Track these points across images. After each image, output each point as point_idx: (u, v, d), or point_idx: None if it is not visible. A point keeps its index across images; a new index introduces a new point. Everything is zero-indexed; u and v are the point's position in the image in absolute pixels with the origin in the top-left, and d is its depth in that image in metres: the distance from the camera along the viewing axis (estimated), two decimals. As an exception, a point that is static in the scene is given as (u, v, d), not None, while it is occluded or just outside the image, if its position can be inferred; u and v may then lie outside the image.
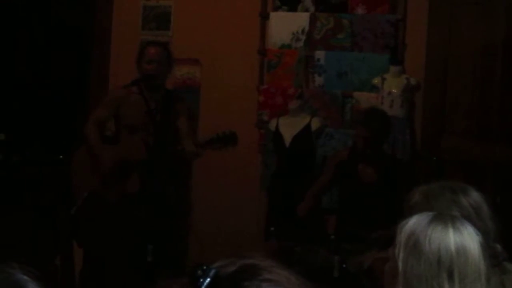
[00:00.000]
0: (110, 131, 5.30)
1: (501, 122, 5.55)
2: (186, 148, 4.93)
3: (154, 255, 4.62)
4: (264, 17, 6.05)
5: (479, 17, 5.58)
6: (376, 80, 5.66)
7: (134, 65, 5.09)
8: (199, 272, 1.17)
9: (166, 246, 5.05)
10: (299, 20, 5.93)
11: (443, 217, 1.96)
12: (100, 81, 6.46)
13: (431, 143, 5.70)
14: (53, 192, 5.70)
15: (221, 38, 6.16)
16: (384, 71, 5.65)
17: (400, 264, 1.92)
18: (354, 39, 5.77)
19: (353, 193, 5.09)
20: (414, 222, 1.95)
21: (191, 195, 6.24)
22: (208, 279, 1.16)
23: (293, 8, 5.97)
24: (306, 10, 5.93)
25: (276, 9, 6.02)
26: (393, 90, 5.59)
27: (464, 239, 1.91)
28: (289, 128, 5.69)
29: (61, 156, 5.67)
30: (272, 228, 5.00)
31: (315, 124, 5.67)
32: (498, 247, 2.32)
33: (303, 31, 5.91)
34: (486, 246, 1.96)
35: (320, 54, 5.83)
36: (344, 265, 4.26)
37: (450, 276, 1.87)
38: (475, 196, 2.33)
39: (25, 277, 1.21)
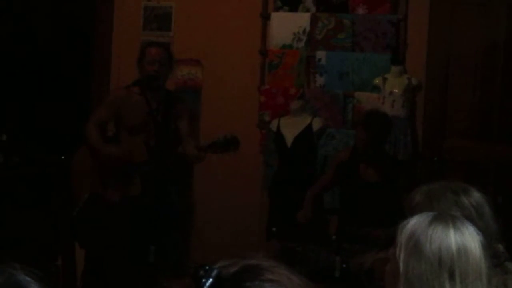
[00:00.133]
0: (111, 132, 5.30)
1: (502, 122, 5.55)
2: (187, 151, 4.93)
3: (156, 256, 4.62)
4: (265, 17, 6.05)
5: (480, 17, 5.58)
6: (377, 80, 5.66)
7: (135, 66, 5.10)
8: (202, 272, 1.17)
9: (168, 247, 5.06)
10: (300, 20, 5.93)
11: (443, 217, 1.96)
12: (102, 81, 6.46)
13: (433, 143, 5.70)
14: (55, 193, 5.70)
15: (222, 38, 6.16)
16: (385, 71, 5.65)
17: (401, 265, 1.92)
18: (355, 39, 5.77)
19: (354, 193, 5.09)
20: (415, 223, 1.95)
21: (192, 195, 6.24)
22: (211, 280, 1.17)
23: (294, 9, 5.97)
24: (307, 11, 5.93)
25: (277, 9, 6.02)
26: (395, 90, 5.59)
27: (465, 239, 1.91)
28: (290, 128, 5.69)
29: (62, 157, 5.67)
30: (274, 229, 5.00)
31: (317, 124, 5.67)
32: (500, 247, 2.32)
33: (304, 31, 5.91)
34: (487, 246, 1.95)
35: (321, 54, 5.84)
36: (344, 265, 4.26)
37: (451, 276, 1.87)
38: (476, 196, 2.32)
39: (27, 278, 1.21)
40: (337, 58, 5.80)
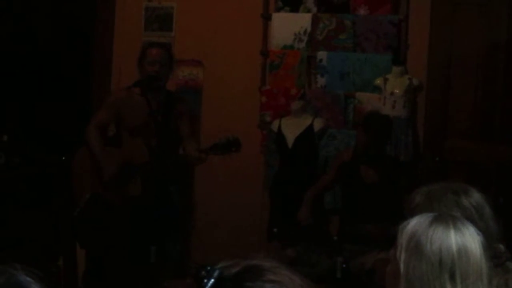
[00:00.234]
0: (112, 132, 5.30)
1: (503, 122, 5.55)
2: (188, 152, 4.93)
3: (156, 256, 4.62)
4: (266, 18, 6.05)
5: (481, 17, 5.58)
6: (378, 81, 5.66)
7: (136, 66, 5.10)
8: (203, 273, 1.17)
9: (169, 247, 5.06)
10: (301, 21, 5.93)
11: (444, 218, 1.96)
12: (102, 81, 6.46)
13: (434, 144, 5.70)
14: (55, 193, 5.70)
15: (223, 39, 6.16)
16: (387, 71, 5.65)
17: (401, 266, 1.92)
18: (356, 39, 5.77)
19: (355, 194, 5.09)
20: (415, 223, 1.95)
21: (193, 196, 6.24)
22: (212, 280, 1.17)
23: (295, 9, 5.97)
24: (308, 11, 5.93)
25: (278, 10, 6.02)
26: (396, 91, 5.59)
27: (465, 240, 1.91)
28: (291, 128, 5.69)
29: (63, 157, 5.67)
30: (275, 229, 5.00)
31: (318, 124, 5.67)
32: (501, 247, 2.32)
33: (305, 32, 5.91)
34: (488, 246, 1.95)
35: (322, 55, 5.83)
36: (344, 265, 4.26)
37: (452, 277, 1.87)
38: (477, 196, 2.32)
39: (28, 279, 1.21)
40: (338, 59, 5.80)
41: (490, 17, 5.55)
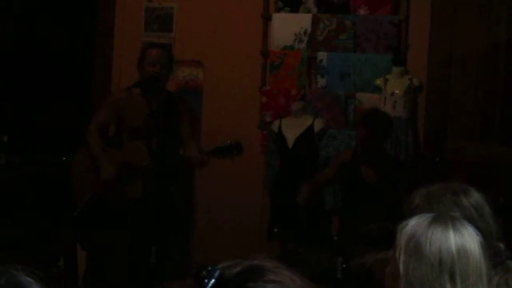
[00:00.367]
0: (111, 132, 5.30)
1: (504, 122, 5.55)
2: (189, 153, 4.93)
3: (157, 257, 4.62)
4: (267, 18, 6.05)
5: (481, 17, 5.57)
6: (378, 81, 5.66)
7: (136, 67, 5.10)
8: (204, 273, 1.17)
9: (169, 247, 5.06)
10: (301, 21, 5.93)
11: (443, 219, 1.96)
12: (103, 82, 6.46)
13: (434, 144, 5.70)
14: (56, 193, 5.70)
15: (224, 39, 6.16)
16: (387, 72, 5.65)
17: (401, 267, 1.92)
18: (357, 40, 5.77)
19: (355, 194, 5.09)
20: (414, 224, 1.95)
21: (194, 196, 6.24)
22: (213, 280, 1.17)
23: (295, 9, 5.97)
24: (309, 11, 5.93)
25: (278, 10, 6.02)
26: (396, 91, 5.59)
27: (464, 240, 1.91)
28: (291, 129, 5.69)
29: (63, 158, 5.66)
30: (275, 229, 5.01)
31: (318, 125, 5.67)
32: (501, 246, 2.33)
33: (305, 32, 5.91)
34: (487, 246, 1.96)
35: (322, 55, 5.83)
36: (344, 265, 4.26)
37: (452, 278, 1.87)
38: (476, 196, 2.33)
39: (29, 279, 1.21)
40: (339, 59, 5.80)
41: (490, 18, 5.55)
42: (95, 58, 6.56)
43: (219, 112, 6.17)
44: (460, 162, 5.61)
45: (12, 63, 6.78)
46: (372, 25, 5.72)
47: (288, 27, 5.96)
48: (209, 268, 1.18)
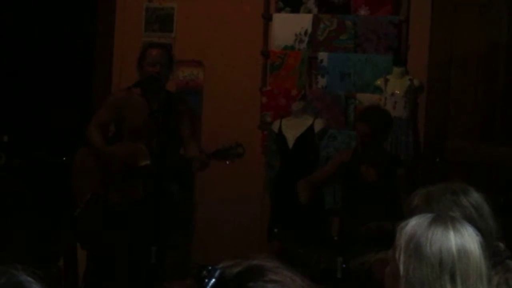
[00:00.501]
0: (111, 133, 5.30)
1: (504, 123, 5.54)
2: (190, 153, 4.93)
3: (157, 257, 4.62)
4: (267, 18, 6.05)
5: (482, 18, 5.57)
6: (379, 81, 5.66)
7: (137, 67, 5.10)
8: (204, 272, 1.17)
9: (170, 247, 5.06)
10: (302, 21, 5.92)
11: (443, 219, 1.95)
12: (103, 82, 6.46)
13: (434, 144, 5.69)
14: (56, 193, 5.70)
15: (224, 39, 6.16)
16: (387, 72, 5.65)
17: (401, 267, 1.91)
18: (357, 40, 5.77)
19: (356, 194, 5.09)
20: (414, 224, 1.95)
21: (194, 196, 6.23)
22: (213, 280, 1.17)
23: (296, 10, 5.97)
24: (309, 12, 5.93)
25: (279, 10, 6.02)
26: (396, 91, 5.59)
27: (465, 241, 1.91)
28: (292, 129, 5.69)
29: (64, 158, 5.67)
30: (276, 229, 5.00)
31: (318, 125, 5.67)
32: (501, 245, 2.33)
33: (306, 32, 5.90)
34: (486, 246, 1.96)
35: (323, 56, 5.83)
36: (344, 265, 4.26)
37: (452, 278, 1.87)
38: (475, 196, 2.33)
39: (29, 279, 1.21)
40: (339, 59, 5.80)
41: (490, 18, 5.55)
42: (95, 58, 6.56)
43: (220, 112, 6.17)
44: (460, 162, 5.60)
45: (12, 63, 6.78)
46: (372, 26, 5.72)
47: (288, 27, 5.96)
48: (210, 267, 1.18)
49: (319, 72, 5.86)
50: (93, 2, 6.50)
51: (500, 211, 2.38)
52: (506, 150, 5.49)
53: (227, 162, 4.86)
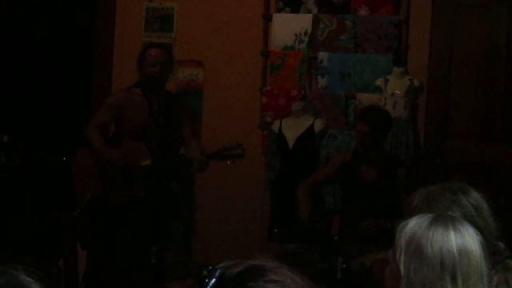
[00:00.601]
0: (111, 133, 5.30)
1: (504, 123, 5.55)
2: (192, 153, 4.93)
3: (158, 257, 4.62)
4: (267, 18, 6.05)
5: (482, 18, 5.57)
6: (379, 82, 5.66)
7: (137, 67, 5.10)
8: (205, 272, 1.17)
9: (170, 247, 5.06)
10: (302, 21, 5.92)
11: (443, 219, 1.95)
12: (103, 82, 6.46)
13: (435, 145, 5.70)
14: (57, 193, 5.70)
15: (224, 39, 6.16)
16: (387, 72, 5.65)
17: (402, 268, 1.91)
18: (357, 40, 5.77)
19: (356, 194, 5.09)
20: (414, 225, 1.94)
21: (194, 196, 6.23)
22: (214, 280, 1.17)
23: (296, 10, 5.97)
24: (309, 12, 5.93)
25: (279, 10, 6.02)
26: (396, 92, 5.59)
27: (465, 241, 1.90)
28: (292, 129, 5.69)
29: (64, 158, 5.67)
30: (276, 230, 5.00)
31: (318, 125, 5.67)
32: (501, 244, 2.33)
33: (306, 32, 5.90)
34: (486, 246, 1.95)
35: (323, 56, 5.83)
36: (344, 265, 4.26)
37: (454, 279, 1.87)
38: (475, 196, 2.33)
39: (28, 279, 1.21)
40: (339, 59, 5.80)
41: (490, 18, 5.55)
42: (96, 58, 6.56)
43: (220, 112, 6.16)
44: (461, 162, 5.60)
45: (12, 63, 6.78)
46: (372, 26, 5.72)
47: (288, 27, 5.96)
48: (210, 267, 1.18)
49: (319, 72, 5.86)
50: (93, 2, 6.50)
51: (500, 211, 2.38)
52: (506, 150, 5.49)
53: (228, 162, 4.87)
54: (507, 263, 2.31)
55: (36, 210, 5.80)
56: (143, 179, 4.90)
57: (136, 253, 4.88)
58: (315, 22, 5.88)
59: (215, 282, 1.16)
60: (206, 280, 1.16)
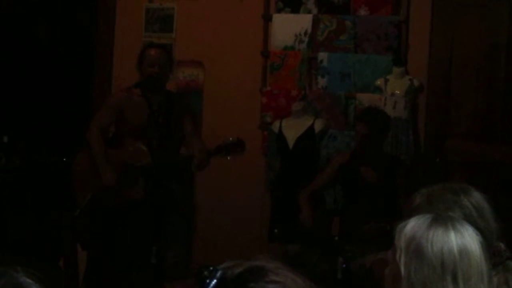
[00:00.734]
0: (111, 133, 5.30)
1: (504, 123, 5.54)
2: (194, 152, 4.93)
3: (158, 257, 4.62)
4: (267, 19, 6.05)
5: (482, 18, 5.57)
6: (379, 82, 5.66)
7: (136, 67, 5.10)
8: (206, 273, 1.17)
9: (170, 248, 5.05)
10: (302, 21, 5.92)
11: (443, 219, 1.95)
12: (104, 83, 6.46)
13: (435, 145, 5.69)
14: (57, 194, 5.71)
15: (224, 40, 6.16)
16: (387, 72, 5.65)
17: (402, 269, 1.91)
18: (357, 40, 5.77)
19: (356, 194, 5.09)
20: (414, 225, 1.94)
21: (195, 196, 6.23)
22: (215, 280, 1.17)
23: (295, 10, 5.97)
24: (309, 12, 5.93)
25: (279, 11, 6.02)
26: (396, 92, 5.59)
27: (466, 241, 1.90)
28: (292, 129, 5.69)
29: (64, 159, 5.67)
30: (276, 230, 5.00)
31: (318, 125, 5.67)
32: (502, 245, 2.33)
33: (306, 32, 5.90)
34: (487, 246, 1.95)
35: (323, 56, 5.83)
36: (344, 266, 4.26)
37: (455, 279, 1.87)
38: (476, 195, 2.33)
39: (28, 280, 1.20)
40: (339, 60, 5.80)
41: (490, 18, 5.55)
42: (95, 58, 6.56)
43: (220, 112, 6.17)
44: (461, 162, 5.60)
45: (12, 63, 6.78)
46: (372, 26, 5.72)
47: (288, 27, 5.96)
48: (211, 268, 1.18)
49: (319, 73, 5.86)
50: (93, 2, 6.50)
51: (500, 211, 2.38)
52: (506, 150, 5.49)
53: (228, 158, 4.87)
54: (508, 264, 2.30)
55: (36, 210, 5.80)
56: (143, 179, 4.90)
57: (136, 253, 4.88)
58: (315, 22, 5.88)
59: (216, 283, 1.16)
60: (207, 281, 1.16)
